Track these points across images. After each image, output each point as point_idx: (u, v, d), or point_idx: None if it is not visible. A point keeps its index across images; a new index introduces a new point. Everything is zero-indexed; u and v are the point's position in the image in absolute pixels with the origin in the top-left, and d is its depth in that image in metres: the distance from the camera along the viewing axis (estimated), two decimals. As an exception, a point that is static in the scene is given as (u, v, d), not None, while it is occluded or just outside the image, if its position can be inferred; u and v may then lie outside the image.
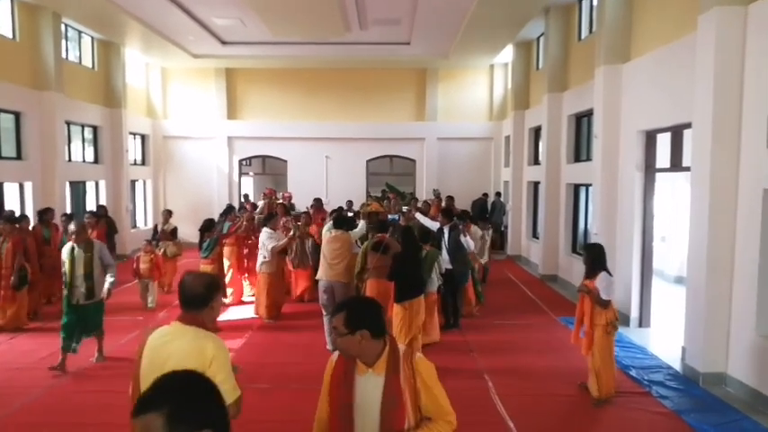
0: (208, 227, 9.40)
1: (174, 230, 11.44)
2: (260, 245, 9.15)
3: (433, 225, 9.18)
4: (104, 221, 11.59)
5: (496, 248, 15.47)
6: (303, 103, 18.68)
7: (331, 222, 8.25)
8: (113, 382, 6.38)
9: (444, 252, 8.56)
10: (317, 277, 7.69)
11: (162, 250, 10.80)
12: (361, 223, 8.87)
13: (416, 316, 6.71)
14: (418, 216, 10.10)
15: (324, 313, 7.60)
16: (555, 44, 12.63)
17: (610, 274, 5.86)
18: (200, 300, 2.86)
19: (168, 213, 11.88)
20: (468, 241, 8.87)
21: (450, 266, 8.51)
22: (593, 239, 10.11)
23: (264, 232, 9.16)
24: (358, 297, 3.98)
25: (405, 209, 12.75)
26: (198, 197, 17.90)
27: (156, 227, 12.13)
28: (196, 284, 2.89)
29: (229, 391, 2.69)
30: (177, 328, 2.84)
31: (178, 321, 2.87)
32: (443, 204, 13.13)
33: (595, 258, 5.95)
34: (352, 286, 7.62)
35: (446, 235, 8.75)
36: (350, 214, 11.64)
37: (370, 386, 2.60)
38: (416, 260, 7.02)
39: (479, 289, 9.66)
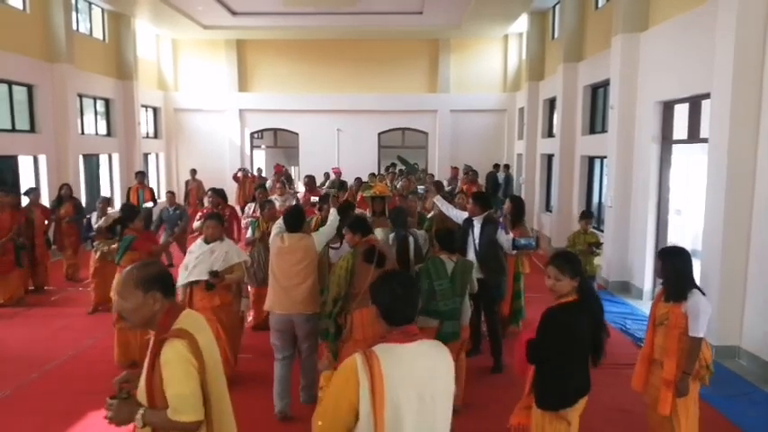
0: (126, 217, 6.44)
1: (114, 224, 7.68)
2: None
3: (459, 216, 6.63)
4: (71, 204, 9.68)
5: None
6: (314, 74, 18.56)
7: (280, 221, 5.11)
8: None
9: (472, 254, 6.07)
10: (266, 308, 4.96)
11: (98, 252, 7.71)
12: (332, 213, 5.53)
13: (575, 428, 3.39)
14: (438, 202, 7.01)
15: (276, 358, 4.96)
16: (571, 13, 12.36)
17: (702, 293, 3.80)
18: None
19: (106, 202, 8.89)
20: (509, 239, 6.18)
21: (480, 275, 5.81)
22: (607, 212, 10.02)
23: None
24: None
25: (420, 189, 10.03)
26: (210, 171, 17.92)
27: (88, 221, 8.82)
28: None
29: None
30: None
31: None
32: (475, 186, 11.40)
33: (685, 271, 3.83)
34: (320, 319, 4.85)
35: (476, 230, 6.18)
36: (314, 199, 8.45)
37: None
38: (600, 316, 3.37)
39: (522, 303, 7.26)
